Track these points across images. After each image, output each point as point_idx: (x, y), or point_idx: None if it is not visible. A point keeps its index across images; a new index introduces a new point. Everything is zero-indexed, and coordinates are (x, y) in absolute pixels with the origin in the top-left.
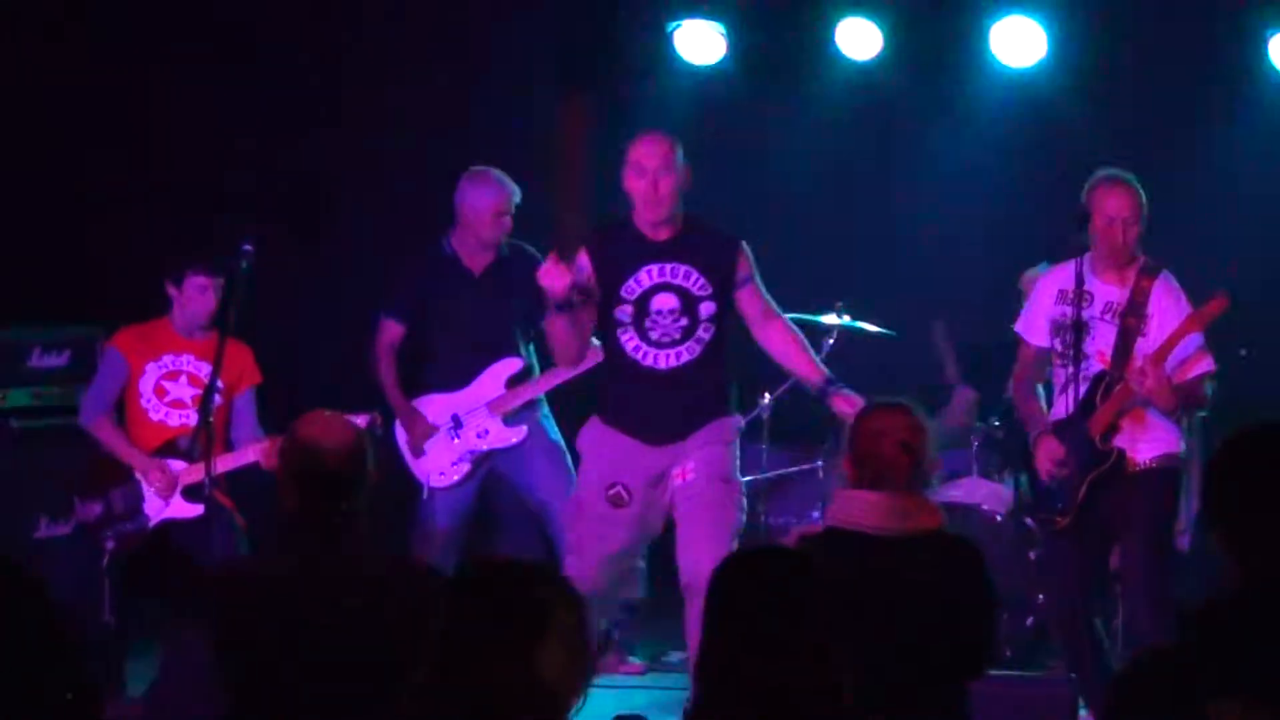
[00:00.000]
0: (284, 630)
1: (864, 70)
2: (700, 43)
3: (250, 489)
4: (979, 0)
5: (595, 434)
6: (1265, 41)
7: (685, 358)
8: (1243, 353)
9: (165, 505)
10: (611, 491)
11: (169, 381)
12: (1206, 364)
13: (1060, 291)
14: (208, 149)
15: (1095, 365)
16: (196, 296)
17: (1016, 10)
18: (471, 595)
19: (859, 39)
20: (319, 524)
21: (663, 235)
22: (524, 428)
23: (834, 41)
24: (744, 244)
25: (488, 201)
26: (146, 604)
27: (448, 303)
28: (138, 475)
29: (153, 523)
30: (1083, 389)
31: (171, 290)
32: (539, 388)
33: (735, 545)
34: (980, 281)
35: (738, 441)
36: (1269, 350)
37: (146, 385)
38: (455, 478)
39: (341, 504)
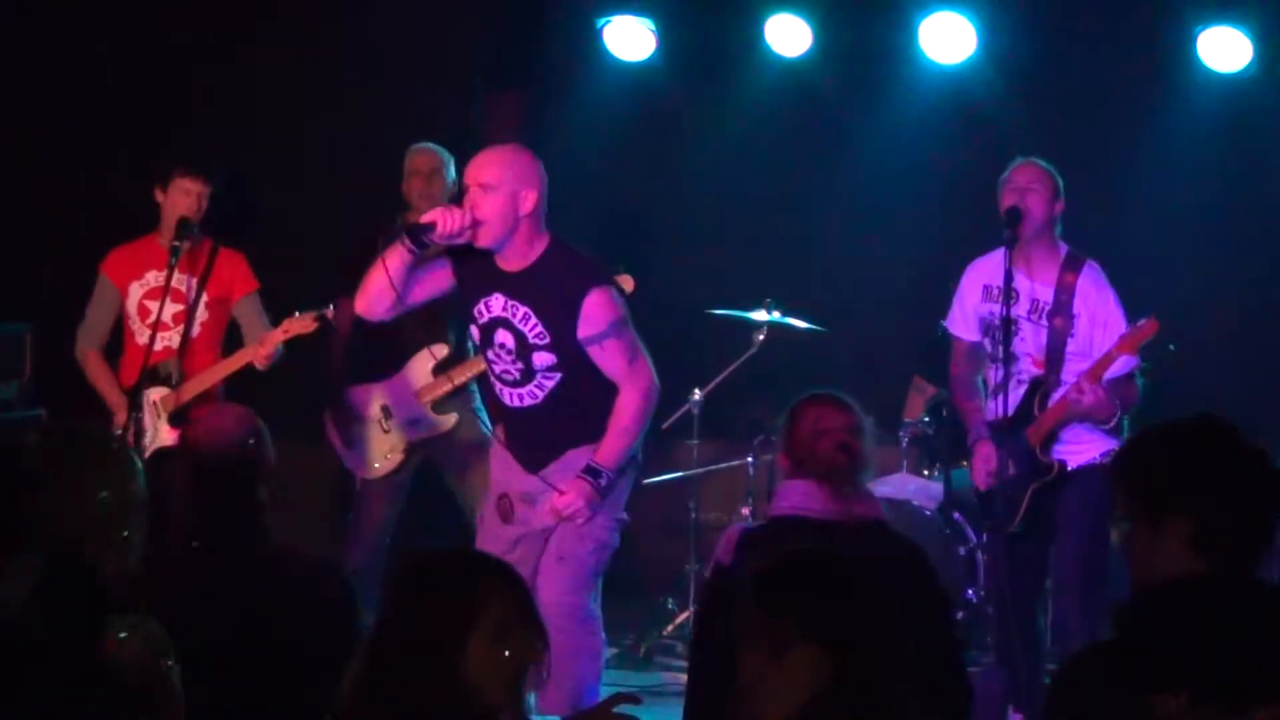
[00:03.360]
0: (177, 630)
1: (793, 66)
2: (630, 39)
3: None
4: None
5: (495, 447)
6: (1194, 36)
7: (529, 401)
8: (1171, 348)
9: (155, 433)
10: (501, 504)
11: (150, 300)
12: (1131, 361)
13: (985, 287)
14: (133, 147)
15: (1028, 367)
16: (181, 200)
17: (946, 6)
18: (396, 589)
19: (788, 35)
20: (215, 519)
21: (511, 265)
22: (454, 415)
23: (763, 38)
24: (595, 292)
25: (418, 163)
26: None
27: None
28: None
29: (147, 453)
30: (1018, 393)
31: (159, 195)
32: (466, 374)
33: (583, 580)
34: (910, 277)
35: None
36: (1198, 347)
37: (131, 306)
38: (388, 468)
39: (236, 499)
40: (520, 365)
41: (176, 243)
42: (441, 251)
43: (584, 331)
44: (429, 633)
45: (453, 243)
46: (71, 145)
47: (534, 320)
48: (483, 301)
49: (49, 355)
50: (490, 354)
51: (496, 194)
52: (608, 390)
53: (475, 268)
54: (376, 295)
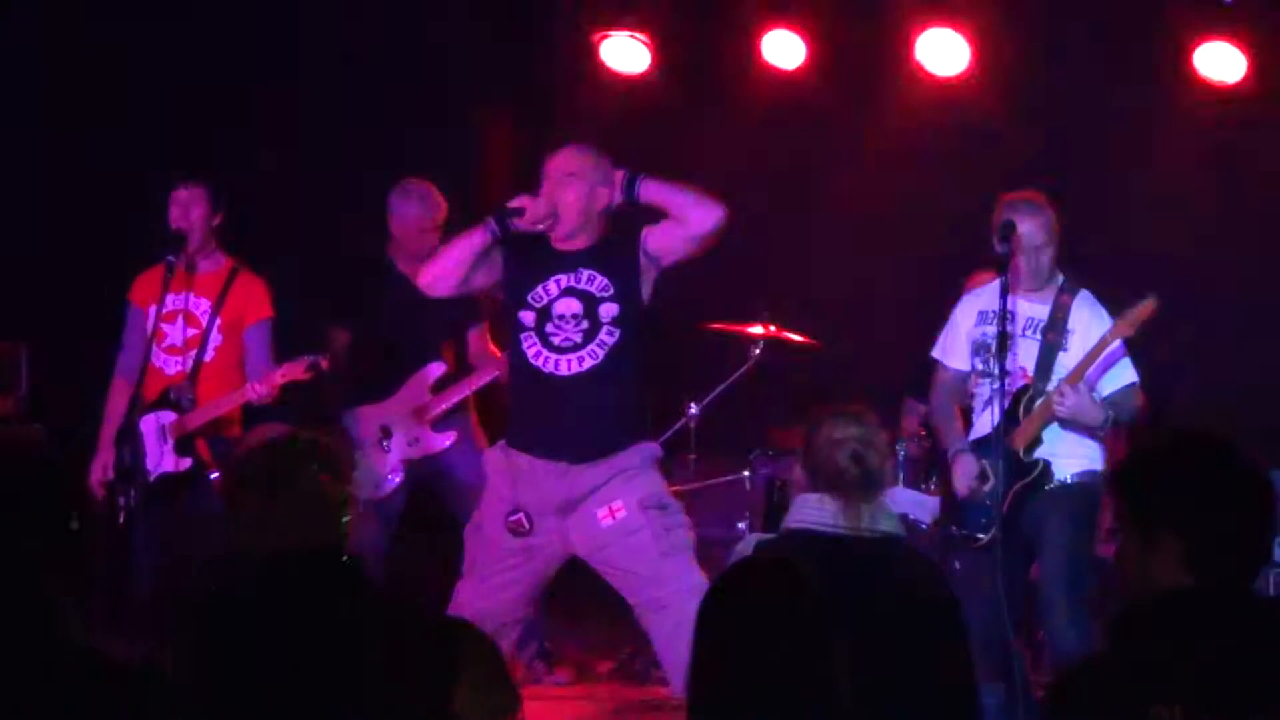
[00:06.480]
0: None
1: (789, 80)
2: (626, 54)
3: None
4: (903, 11)
5: (498, 457)
6: (1189, 50)
7: (588, 363)
8: (1167, 359)
9: (160, 458)
10: (512, 519)
11: (167, 324)
12: (1130, 376)
13: (981, 313)
14: (122, 164)
15: (1018, 380)
16: (180, 213)
17: (941, 20)
18: (378, 642)
19: (784, 49)
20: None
21: (576, 246)
22: (454, 433)
23: (759, 52)
24: (646, 228)
25: (413, 217)
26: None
27: (384, 309)
28: (141, 428)
29: (152, 477)
30: (1005, 402)
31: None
32: (463, 391)
33: (692, 558)
34: (906, 290)
35: (659, 470)
36: (1194, 356)
37: (150, 329)
38: (389, 488)
39: None
40: (585, 324)
41: (171, 258)
42: (498, 242)
43: (651, 242)
44: (405, 693)
45: (531, 229)
46: (69, 164)
47: (599, 277)
48: (540, 285)
49: (45, 372)
50: (549, 327)
51: (577, 182)
52: (639, 373)
53: (532, 257)
54: (444, 272)
